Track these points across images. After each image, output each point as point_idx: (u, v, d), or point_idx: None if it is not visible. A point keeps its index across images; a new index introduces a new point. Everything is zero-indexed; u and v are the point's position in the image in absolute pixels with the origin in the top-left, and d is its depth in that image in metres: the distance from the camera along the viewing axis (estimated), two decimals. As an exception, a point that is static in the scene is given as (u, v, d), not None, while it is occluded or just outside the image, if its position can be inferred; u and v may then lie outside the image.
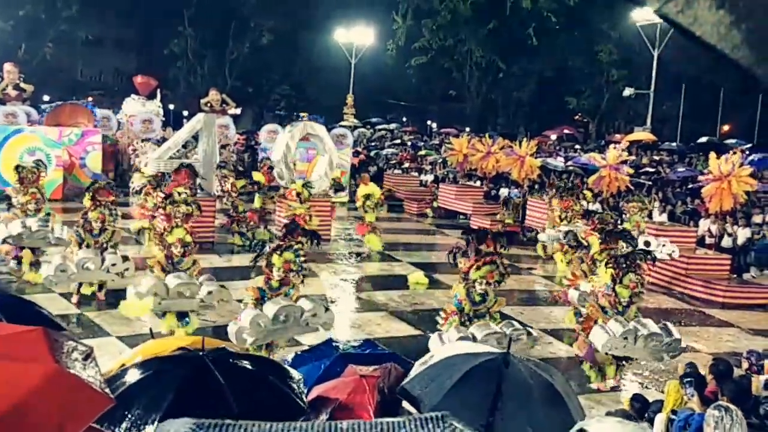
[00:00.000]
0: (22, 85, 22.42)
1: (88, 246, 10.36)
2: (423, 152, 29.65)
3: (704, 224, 16.66)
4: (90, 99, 27.15)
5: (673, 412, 6.01)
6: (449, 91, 46.31)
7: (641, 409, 6.30)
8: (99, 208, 10.42)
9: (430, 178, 25.07)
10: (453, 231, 17.83)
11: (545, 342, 10.50)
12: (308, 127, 17.27)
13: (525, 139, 21.69)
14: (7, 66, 22.48)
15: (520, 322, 9.20)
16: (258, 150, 24.82)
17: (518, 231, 17.98)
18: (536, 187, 20.56)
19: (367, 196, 15.90)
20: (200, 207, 10.44)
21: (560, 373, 4.28)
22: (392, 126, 43.87)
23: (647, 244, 13.61)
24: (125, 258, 10.39)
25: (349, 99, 36.52)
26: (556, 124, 41.91)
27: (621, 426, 2.88)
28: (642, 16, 31.07)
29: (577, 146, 34.88)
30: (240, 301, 8.93)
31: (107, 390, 2.85)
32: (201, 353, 3.69)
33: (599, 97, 40.88)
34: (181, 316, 9.37)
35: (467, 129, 38.48)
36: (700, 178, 16.04)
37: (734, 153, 14.50)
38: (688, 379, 6.12)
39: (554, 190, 16.66)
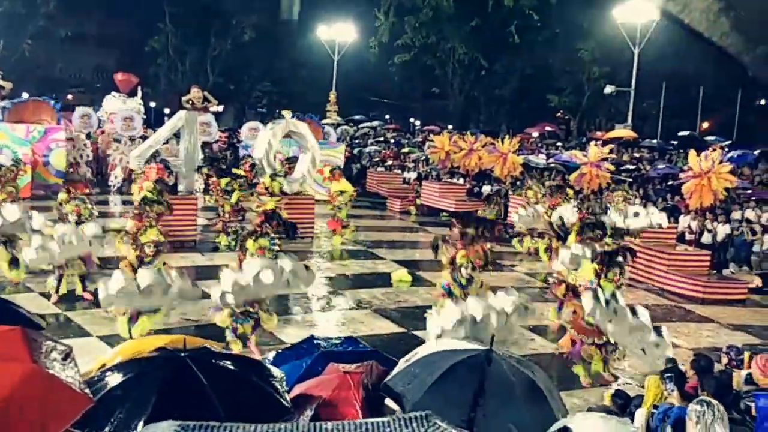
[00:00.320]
0: (1, 82, 22.17)
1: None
2: (406, 150, 29.66)
3: (684, 220, 16.82)
4: (70, 96, 26.89)
5: (654, 407, 6.06)
6: (432, 88, 46.34)
7: (623, 405, 6.34)
8: (74, 201, 10.40)
9: (413, 175, 25.10)
10: (436, 228, 17.86)
11: (528, 338, 10.55)
12: (290, 124, 17.19)
13: (507, 136, 21.80)
14: (-15, 63, 22.24)
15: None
16: (239, 147, 24.72)
17: (500, 229, 17.99)
18: (518, 184, 20.65)
19: (340, 192, 16.15)
20: (170, 206, 10.40)
21: (542, 370, 4.30)
22: (375, 123, 43.84)
23: (636, 215, 13.78)
24: (104, 229, 10.35)
25: (332, 96, 36.45)
26: (537, 121, 42.09)
27: (603, 422, 2.89)
28: (623, 14, 31.25)
29: (559, 143, 35.05)
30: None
31: (87, 390, 2.83)
32: (182, 354, 3.66)
33: (580, 95, 41.10)
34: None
35: (450, 126, 38.54)
36: (681, 174, 16.18)
37: (714, 150, 14.63)
38: (668, 374, 6.17)
39: (536, 185, 16.84)
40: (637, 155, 29.12)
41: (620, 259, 8.76)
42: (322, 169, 17.76)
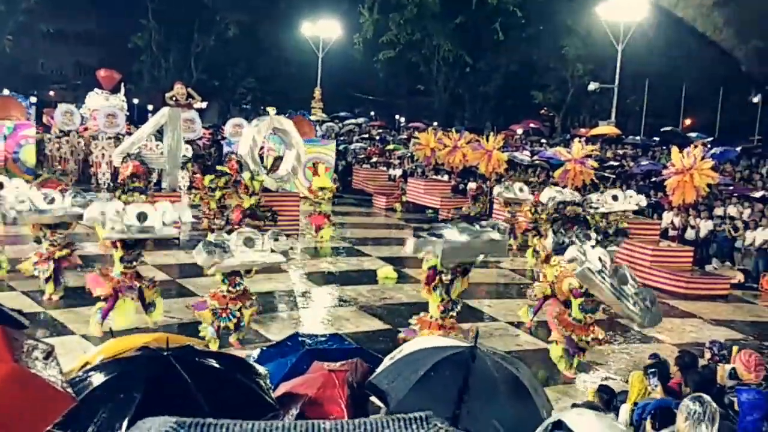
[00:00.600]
0: (-19, 79, 21.94)
1: (39, 241, 10.38)
2: (391, 147, 29.66)
3: (667, 217, 16.94)
4: (52, 93, 26.69)
5: (635, 404, 6.10)
6: (417, 85, 46.38)
7: (608, 400, 6.38)
8: (46, 189, 10.39)
9: (398, 172, 25.10)
10: (422, 225, 17.88)
11: (512, 335, 10.59)
12: (275, 121, 17.12)
13: (492, 133, 21.86)
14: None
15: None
16: (224, 144, 24.61)
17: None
18: (502, 180, 20.71)
19: (321, 188, 16.53)
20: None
21: (526, 366, 4.31)
22: (360, 120, 43.83)
23: (615, 198, 13.89)
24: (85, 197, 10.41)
25: (317, 93, 36.36)
26: (522, 118, 42.23)
27: (598, 419, 2.88)
28: (607, 11, 31.40)
29: (543, 140, 35.18)
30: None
31: (69, 390, 2.81)
32: (165, 353, 3.63)
33: (564, 92, 41.27)
34: (147, 305, 9.39)
35: (435, 123, 38.58)
36: (663, 171, 16.29)
37: (696, 147, 14.73)
38: (652, 370, 6.21)
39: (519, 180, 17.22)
40: (620, 152, 29.30)
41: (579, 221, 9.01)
42: (312, 167, 17.82)
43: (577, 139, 20.93)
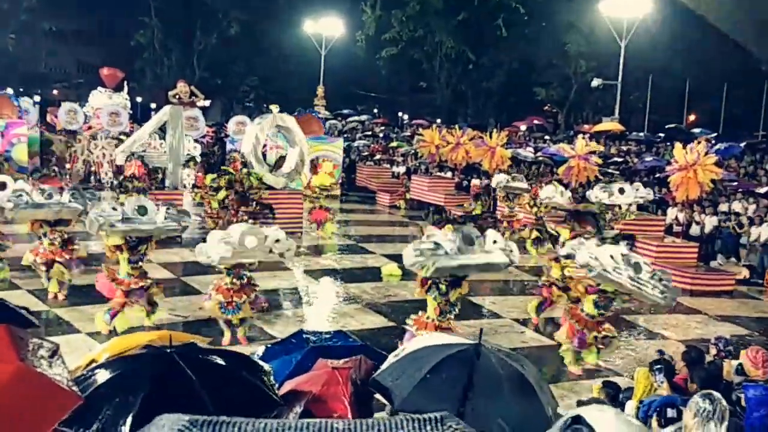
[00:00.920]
0: (-15, 78, 21.95)
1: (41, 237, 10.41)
2: (394, 144, 29.64)
3: (672, 213, 16.91)
4: (55, 92, 26.74)
5: (640, 402, 6.08)
6: (419, 82, 46.32)
7: (614, 396, 6.36)
8: (45, 186, 10.38)
9: (402, 169, 25.08)
10: (425, 223, 17.87)
11: (517, 331, 10.58)
12: (278, 118, 17.11)
13: (495, 130, 21.82)
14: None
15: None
16: (227, 142, 24.62)
17: (487, 222, 18.02)
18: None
19: (320, 187, 16.72)
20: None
21: (531, 364, 4.30)
22: (363, 117, 43.77)
23: (622, 191, 13.87)
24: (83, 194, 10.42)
25: (320, 90, 36.31)
26: (525, 114, 42.14)
27: (616, 417, 2.84)
28: (609, 8, 31.33)
29: (547, 137, 35.12)
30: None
31: (75, 388, 2.80)
32: (169, 350, 3.63)
33: (567, 88, 41.19)
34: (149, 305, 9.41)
35: (438, 120, 38.54)
36: (667, 167, 16.25)
37: (699, 142, 14.68)
38: (658, 366, 6.19)
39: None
40: (624, 148, 29.24)
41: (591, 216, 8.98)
42: (321, 164, 17.80)
43: (580, 136, 20.90)
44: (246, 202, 14.27)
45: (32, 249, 10.69)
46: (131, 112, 25.40)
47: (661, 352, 6.95)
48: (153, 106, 38.17)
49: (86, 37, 48.99)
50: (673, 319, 11.85)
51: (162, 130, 18.27)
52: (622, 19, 31.26)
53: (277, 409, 3.66)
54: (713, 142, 23.94)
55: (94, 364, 3.80)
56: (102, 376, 3.49)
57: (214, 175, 15.68)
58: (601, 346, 8.83)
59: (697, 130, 33.48)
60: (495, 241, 8.05)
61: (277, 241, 8.78)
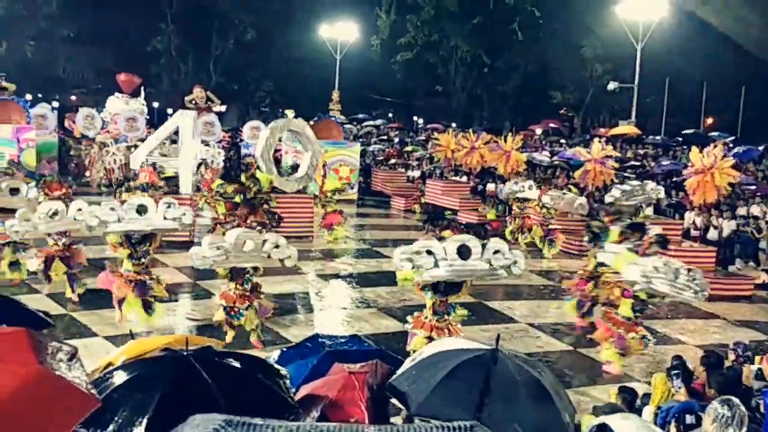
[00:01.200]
0: (4, 84, 22.15)
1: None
2: (409, 148, 29.61)
3: (689, 217, 16.77)
4: (74, 98, 26.95)
5: (658, 407, 6.03)
6: (435, 86, 46.31)
7: (631, 401, 6.31)
8: (50, 202, 10.46)
9: (416, 174, 25.05)
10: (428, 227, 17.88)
11: (533, 336, 10.53)
12: (291, 123, 17.13)
13: (510, 133, 21.77)
14: (-13, 65, 22.25)
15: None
16: (242, 147, 24.72)
17: (500, 226, 17.94)
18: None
19: (333, 191, 17.00)
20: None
21: (548, 369, 4.27)
22: (378, 122, 43.82)
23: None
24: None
25: (335, 95, 36.40)
26: (540, 118, 42.01)
27: (642, 425, 2.83)
28: (625, 10, 31.18)
29: (563, 140, 34.98)
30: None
31: (93, 391, 2.82)
32: (185, 353, 3.65)
33: (583, 92, 41.02)
34: (146, 306, 9.48)
35: (453, 124, 38.50)
36: (684, 171, 16.13)
37: (716, 146, 14.55)
38: (675, 372, 6.14)
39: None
40: (641, 152, 29.07)
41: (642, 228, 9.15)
42: (337, 169, 17.84)
43: (596, 139, 20.79)
44: (255, 210, 14.23)
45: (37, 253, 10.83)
46: (148, 117, 25.59)
47: (678, 357, 6.89)
48: (170, 111, 38.36)
49: (104, 43, 49.36)
50: (691, 324, 11.75)
51: (177, 135, 18.37)
52: (638, 22, 31.08)
53: (293, 414, 3.65)
54: (731, 145, 23.75)
55: (111, 367, 3.83)
56: (119, 378, 3.52)
57: (221, 181, 15.67)
58: (639, 347, 8.93)
59: (715, 134, 33.20)
60: (497, 251, 7.77)
61: (276, 246, 8.68)
